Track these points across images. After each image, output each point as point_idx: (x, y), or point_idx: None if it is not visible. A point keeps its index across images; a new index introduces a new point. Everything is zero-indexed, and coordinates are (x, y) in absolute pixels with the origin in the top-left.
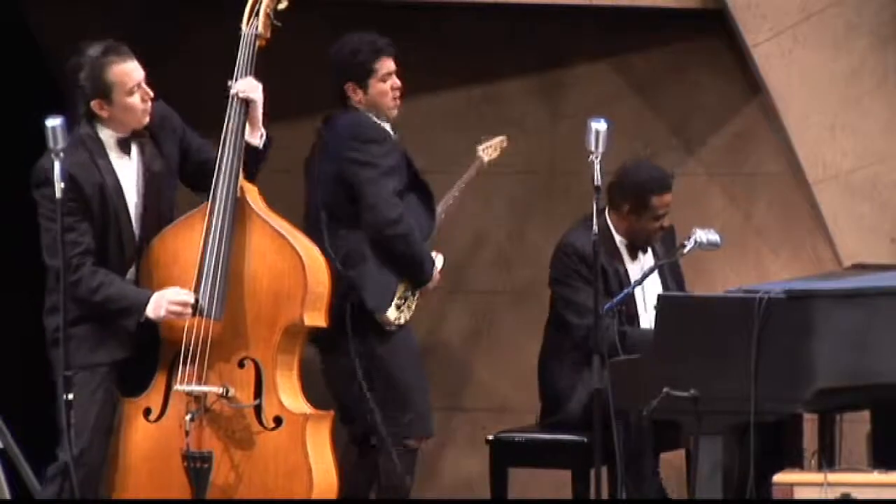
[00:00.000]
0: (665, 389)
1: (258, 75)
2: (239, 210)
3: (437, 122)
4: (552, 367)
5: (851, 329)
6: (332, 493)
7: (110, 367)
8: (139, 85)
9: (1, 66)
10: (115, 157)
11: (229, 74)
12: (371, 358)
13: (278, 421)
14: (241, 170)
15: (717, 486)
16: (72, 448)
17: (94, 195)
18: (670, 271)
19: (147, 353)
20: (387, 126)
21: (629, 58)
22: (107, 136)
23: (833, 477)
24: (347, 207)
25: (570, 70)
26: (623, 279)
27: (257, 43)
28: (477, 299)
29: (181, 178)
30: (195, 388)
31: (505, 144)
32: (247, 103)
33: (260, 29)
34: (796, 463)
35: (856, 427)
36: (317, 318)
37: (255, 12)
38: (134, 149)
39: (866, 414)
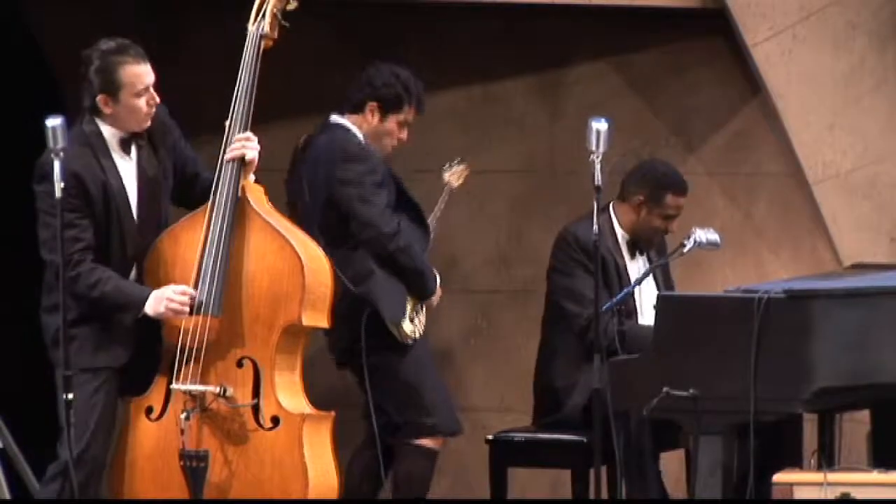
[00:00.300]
0: (665, 389)
1: (261, 74)
2: (240, 210)
3: (437, 121)
4: (550, 364)
5: (851, 329)
6: (332, 495)
7: (112, 371)
8: (147, 89)
9: (1, 66)
10: (117, 156)
11: (229, 74)
12: (385, 367)
13: (275, 421)
14: (241, 171)
15: (717, 485)
16: (72, 448)
17: (98, 193)
18: (663, 277)
19: (150, 353)
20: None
21: (629, 57)
22: (109, 134)
23: (833, 477)
24: (342, 228)
25: (570, 70)
26: (622, 274)
27: (263, 43)
28: (477, 299)
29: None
30: (192, 387)
31: (468, 173)
32: (242, 160)
33: (266, 29)
34: (796, 463)
35: (856, 427)
36: (317, 318)
37: (262, 12)
38: (133, 149)
39: (866, 414)
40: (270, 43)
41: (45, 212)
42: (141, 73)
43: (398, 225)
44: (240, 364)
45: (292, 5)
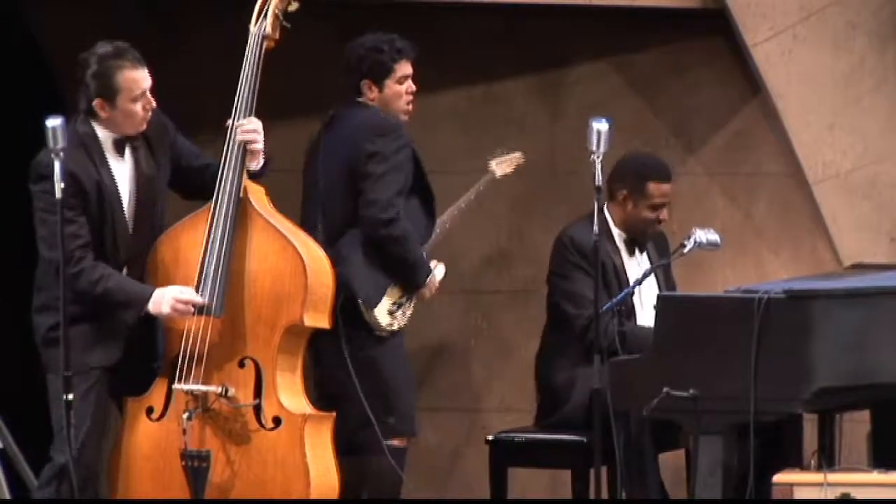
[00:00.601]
0: (665, 389)
1: (262, 75)
2: (242, 210)
3: (437, 121)
4: (549, 364)
5: (851, 329)
6: (333, 494)
7: (104, 370)
8: (144, 93)
9: (1, 66)
10: (111, 157)
11: (230, 74)
12: (362, 359)
13: (277, 421)
14: (244, 170)
15: (717, 486)
16: (72, 448)
17: (92, 193)
18: (664, 276)
19: (145, 352)
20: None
21: (629, 57)
22: (104, 135)
23: (833, 477)
24: (348, 207)
25: (570, 69)
26: (620, 274)
27: (265, 44)
28: (477, 299)
29: (173, 185)
30: (194, 387)
31: (521, 161)
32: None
33: (268, 30)
34: (796, 463)
35: (856, 427)
36: (319, 319)
37: (263, 13)
38: (128, 151)
39: (866, 414)
40: (272, 44)
41: (43, 210)
42: (138, 79)
43: (398, 212)
44: (241, 364)
45: (294, 6)
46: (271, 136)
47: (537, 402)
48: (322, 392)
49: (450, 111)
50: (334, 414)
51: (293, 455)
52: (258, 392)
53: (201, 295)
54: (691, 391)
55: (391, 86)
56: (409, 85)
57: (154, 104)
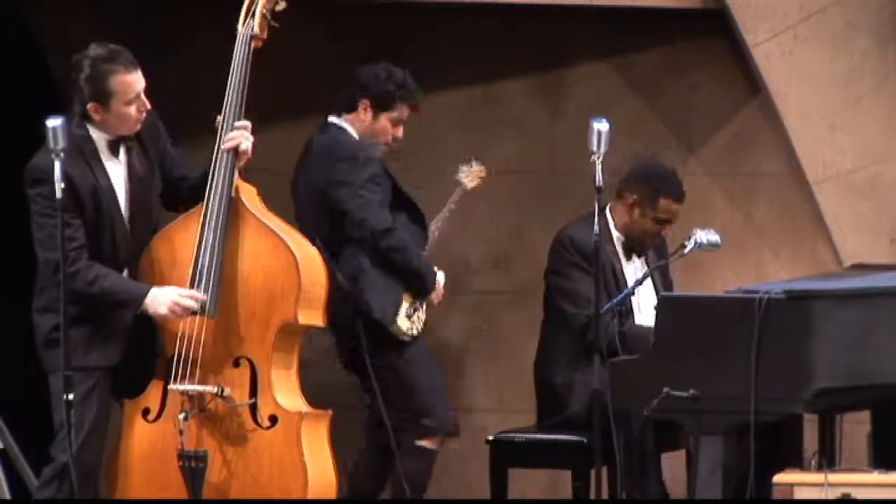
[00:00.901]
0: (665, 389)
1: (254, 76)
2: (234, 210)
3: (437, 122)
4: (549, 364)
5: (851, 329)
6: (330, 492)
7: (105, 371)
8: (139, 96)
9: (1, 66)
10: (105, 158)
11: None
12: (389, 367)
13: (273, 420)
14: (235, 169)
15: (717, 486)
16: (72, 447)
17: (88, 196)
18: (661, 277)
19: (146, 354)
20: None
21: (629, 58)
22: (98, 137)
23: (833, 477)
24: (336, 229)
25: (570, 70)
26: (619, 275)
27: (253, 43)
28: (477, 299)
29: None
30: (190, 387)
31: (483, 175)
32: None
33: (256, 30)
34: (796, 463)
35: (856, 427)
36: (313, 317)
37: (251, 13)
38: (122, 151)
39: (866, 414)
40: (260, 43)
41: (40, 213)
42: (132, 82)
43: (391, 222)
44: (237, 364)
45: (281, 5)
46: (267, 137)
47: (537, 402)
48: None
49: (449, 111)
50: (330, 412)
51: (290, 453)
52: (254, 391)
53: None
54: (691, 391)
55: (384, 119)
56: (400, 130)
57: (148, 106)
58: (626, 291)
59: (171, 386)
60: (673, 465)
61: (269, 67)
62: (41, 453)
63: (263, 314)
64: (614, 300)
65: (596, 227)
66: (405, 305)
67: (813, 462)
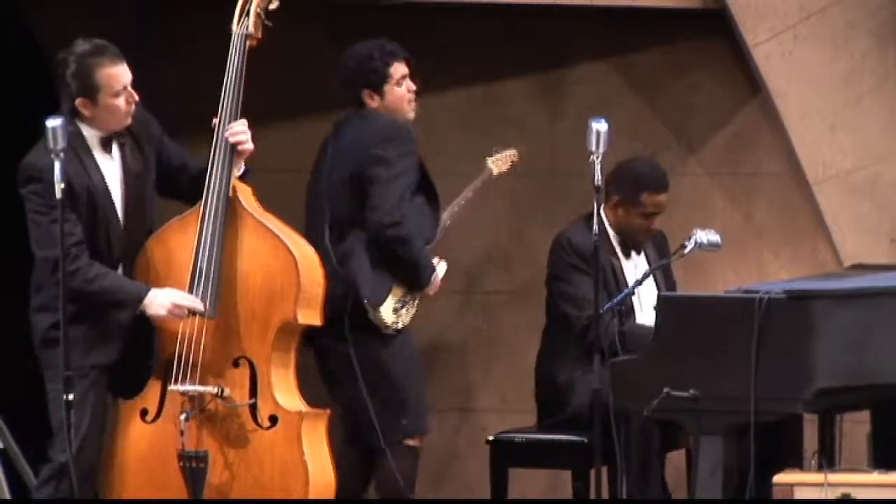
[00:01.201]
0: (665, 389)
1: (253, 76)
2: (232, 210)
3: (436, 122)
4: (550, 365)
5: (851, 329)
6: (330, 492)
7: (101, 369)
8: (125, 88)
9: (1, 66)
10: (98, 155)
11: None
12: (371, 361)
13: (273, 420)
14: (232, 170)
15: (717, 486)
16: (72, 447)
17: (83, 194)
18: (663, 276)
19: (143, 355)
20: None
21: (629, 58)
22: (90, 134)
23: (833, 477)
24: (354, 210)
25: (570, 70)
26: (618, 275)
27: (248, 43)
28: (477, 299)
29: (156, 185)
30: (190, 388)
31: (516, 159)
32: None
33: (250, 29)
34: (796, 463)
35: (856, 427)
36: (311, 316)
37: (245, 12)
38: (115, 147)
39: (866, 414)
40: (255, 42)
41: (35, 211)
42: (118, 74)
43: (402, 216)
44: (236, 364)
45: (274, 4)
46: (266, 137)
47: (537, 402)
48: (334, 394)
49: (450, 111)
50: (329, 411)
51: (291, 453)
52: (253, 391)
53: (195, 297)
54: (691, 391)
55: (391, 90)
56: (409, 84)
57: (137, 98)
58: (625, 291)
59: (171, 387)
60: (673, 466)
61: (268, 67)
62: (40, 453)
63: (263, 314)
64: (614, 300)
65: (595, 226)
66: (393, 299)
67: (813, 462)
